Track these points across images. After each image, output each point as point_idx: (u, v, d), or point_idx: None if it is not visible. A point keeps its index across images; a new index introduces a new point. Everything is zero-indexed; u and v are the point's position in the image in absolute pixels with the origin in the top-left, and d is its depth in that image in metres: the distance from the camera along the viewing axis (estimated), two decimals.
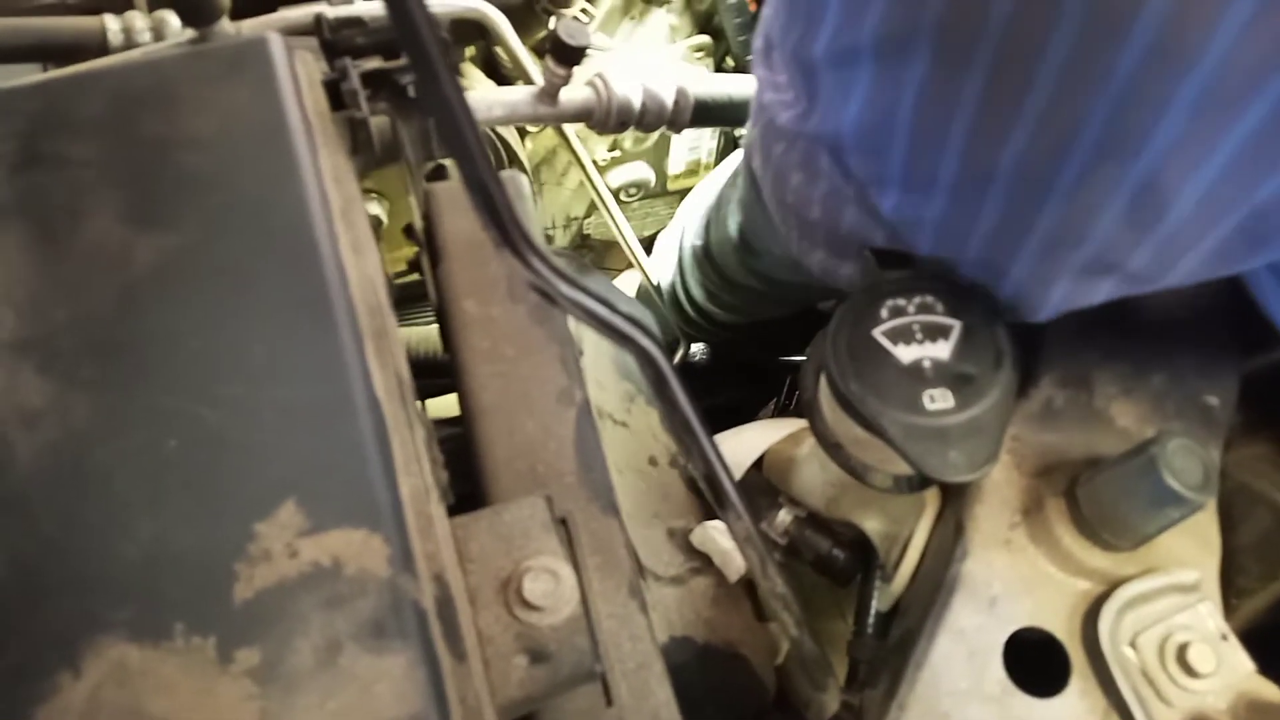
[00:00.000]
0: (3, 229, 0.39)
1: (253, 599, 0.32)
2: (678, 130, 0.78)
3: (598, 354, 0.60)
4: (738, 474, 0.59)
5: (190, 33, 0.58)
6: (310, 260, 0.38)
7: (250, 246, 0.39)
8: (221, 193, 0.40)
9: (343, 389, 0.36)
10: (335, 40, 0.52)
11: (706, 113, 0.78)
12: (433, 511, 0.37)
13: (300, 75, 0.44)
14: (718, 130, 0.91)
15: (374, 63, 0.52)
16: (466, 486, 0.47)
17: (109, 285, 0.38)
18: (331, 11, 0.58)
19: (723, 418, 0.99)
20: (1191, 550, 0.46)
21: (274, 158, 0.40)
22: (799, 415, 0.66)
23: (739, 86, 0.79)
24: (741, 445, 0.62)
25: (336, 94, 0.48)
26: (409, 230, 0.66)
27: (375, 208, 0.68)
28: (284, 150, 0.41)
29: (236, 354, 0.37)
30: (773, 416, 0.83)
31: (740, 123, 0.80)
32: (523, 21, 0.74)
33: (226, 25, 0.58)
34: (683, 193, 0.97)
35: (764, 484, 0.58)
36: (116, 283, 0.38)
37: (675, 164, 0.93)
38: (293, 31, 0.60)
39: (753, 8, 0.87)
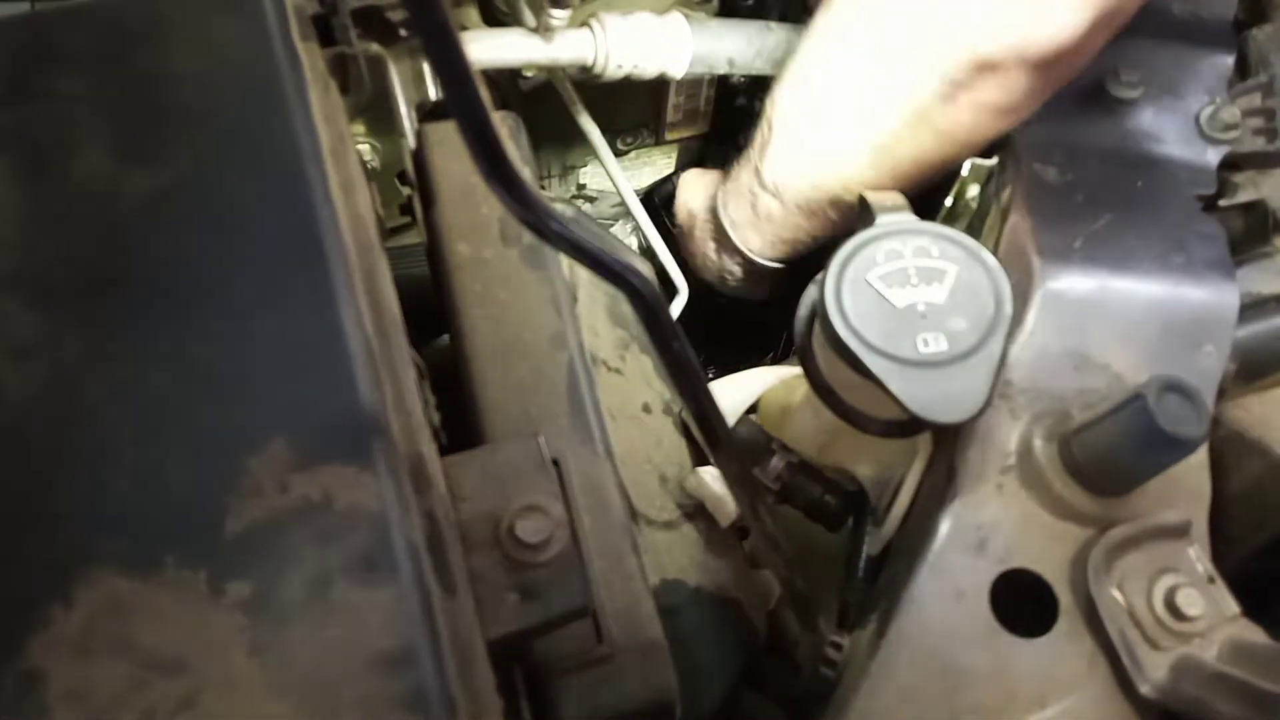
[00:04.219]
0: None
1: (243, 533, 0.32)
2: (675, 78, 0.77)
3: (592, 301, 0.59)
4: (731, 420, 0.59)
5: None
6: (299, 197, 0.38)
7: (239, 183, 0.38)
8: (209, 128, 0.39)
9: (333, 326, 0.36)
10: None
11: (704, 61, 0.77)
12: (424, 450, 0.38)
13: (289, 10, 0.43)
14: (715, 78, 0.90)
15: None
16: (461, 429, 0.47)
17: (98, 220, 0.38)
18: None
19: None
20: (1182, 496, 0.47)
21: (262, 94, 0.40)
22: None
23: (738, 35, 0.78)
24: (735, 391, 0.62)
25: (327, 30, 0.47)
26: (402, 176, 0.65)
27: (367, 151, 0.67)
28: (272, 86, 0.40)
29: (226, 290, 0.37)
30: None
31: (737, 67, 0.79)
32: None
33: None
34: (679, 141, 0.96)
35: (757, 430, 0.58)
36: (105, 217, 0.38)
37: (672, 113, 0.92)
38: None
39: None
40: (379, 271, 0.42)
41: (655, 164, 0.98)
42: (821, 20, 0.61)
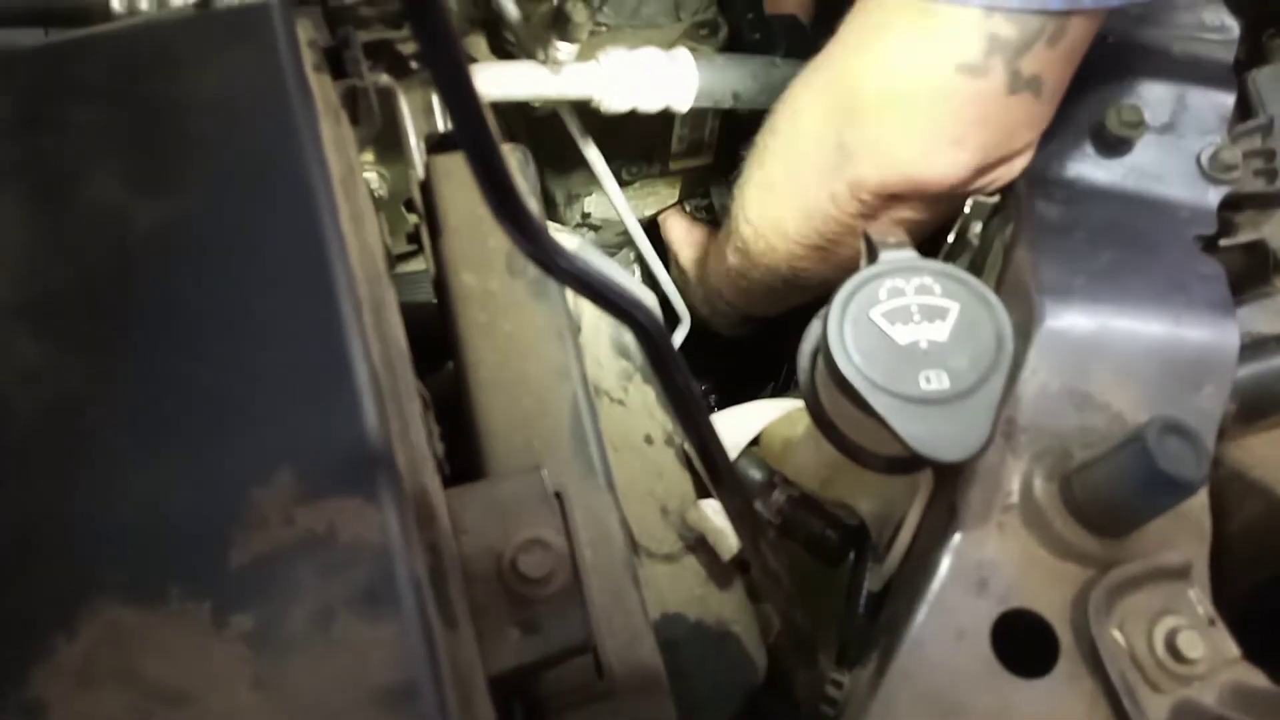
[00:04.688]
0: (1, 190, 0.39)
1: (248, 564, 0.32)
2: (680, 113, 0.78)
3: (596, 332, 0.60)
4: (734, 453, 0.59)
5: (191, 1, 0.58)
6: (309, 228, 0.38)
7: (248, 213, 0.39)
8: (220, 158, 0.40)
9: (341, 358, 0.36)
10: (338, 8, 0.52)
11: (709, 95, 0.78)
12: (428, 482, 0.38)
13: (301, 42, 0.44)
14: (719, 109, 0.91)
15: (377, 32, 0.52)
16: (463, 460, 0.47)
17: (107, 248, 0.38)
18: None
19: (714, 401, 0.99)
20: (1183, 536, 0.47)
21: (273, 124, 0.40)
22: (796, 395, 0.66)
23: (743, 70, 0.79)
24: (738, 424, 0.62)
25: (339, 62, 0.48)
26: (409, 204, 0.65)
27: (375, 180, 0.68)
28: (283, 117, 0.40)
29: (235, 320, 0.37)
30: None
31: (742, 102, 0.80)
32: None
33: None
34: (683, 172, 0.96)
35: (760, 464, 0.58)
36: (115, 246, 0.38)
37: (676, 143, 0.93)
38: None
39: None
40: (386, 302, 0.43)
41: (659, 193, 0.98)
42: (759, 137, 0.68)
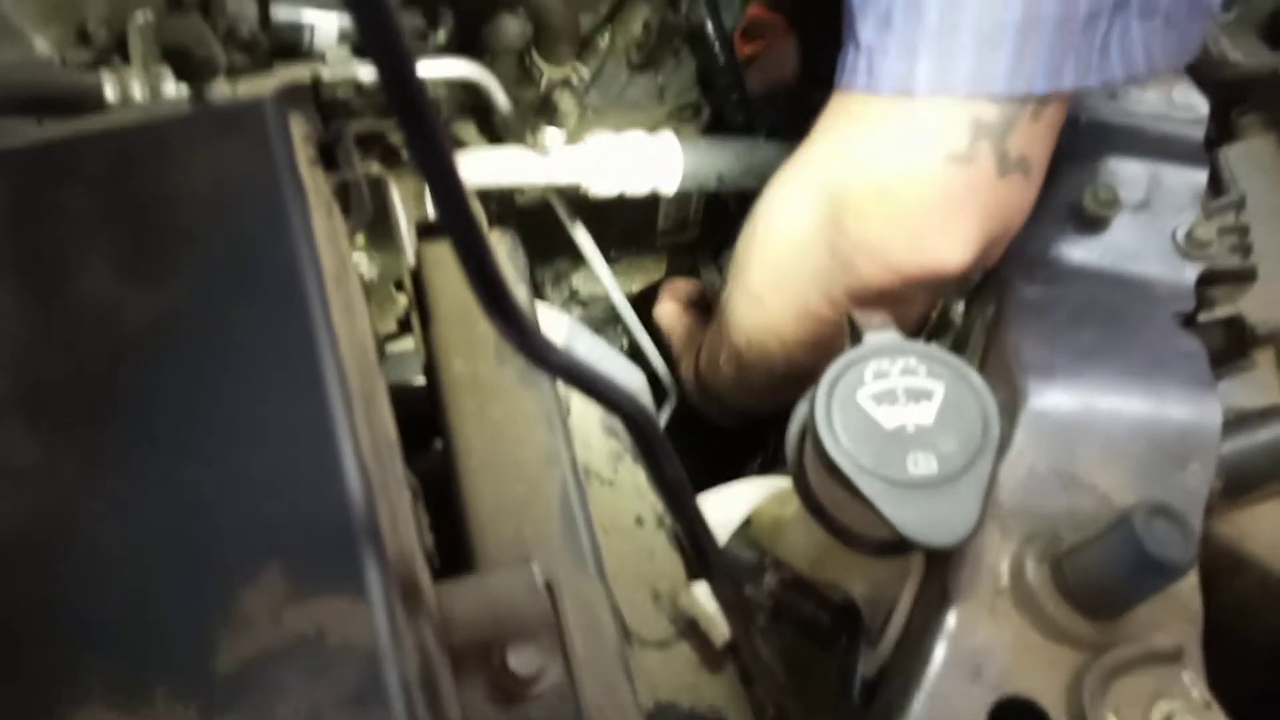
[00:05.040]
0: None
1: (235, 666, 0.32)
2: (667, 196, 0.79)
3: (585, 415, 0.60)
4: (725, 533, 0.59)
5: (185, 90, 0.59)
6: (301, 322, 0.39)
7: (241, 308, 0.39)
8: (213, 254, 0.40)
9: (331, 452, 0.36)
10: (331, 101, 0.53)
11: (695, 177, 0.79)
12: (418, 577, 0.37)
13: (294, 137, 0.44)
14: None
15: (369, 121, 0.53)
16: (452, 546, 0.47)
17: (99, 343, 0.38)
18: (328, 73, 0.59)
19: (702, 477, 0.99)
20: (1175, 617, 0.46)
21: (267, 220, 0.41)
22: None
23: (727, 152, 0.81)
24: (728, 505, 0.62)
25: (331, 154, 0.49)
26: (398, 284, 0.66)
27: (366, 266, 0.69)
28: (276, 213, 0.41)
29: (225, 415, 0.37)
30: (759, 473, 0.83)
31: (727, 183, 0.81)
32: (516, 82, 0.76)
33: (222, 85, 0.58)
34: (671, 249, 0.98)
35: (750, 547, 0.58)
36: (106, 341, 0.38)
37: (663, 221, 0.94)
38: (289, 91, 0.61)
39: (742, 53, 0.89)
40: (377, 393, 0.43)
41: (646, 270, 1.00)
42: (739, 248, 0.66)
